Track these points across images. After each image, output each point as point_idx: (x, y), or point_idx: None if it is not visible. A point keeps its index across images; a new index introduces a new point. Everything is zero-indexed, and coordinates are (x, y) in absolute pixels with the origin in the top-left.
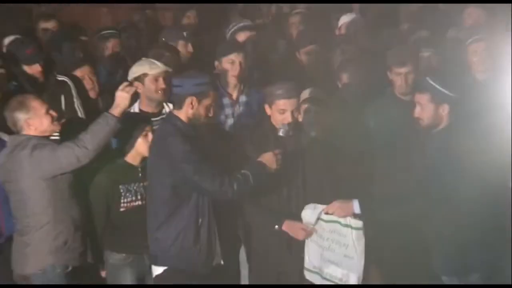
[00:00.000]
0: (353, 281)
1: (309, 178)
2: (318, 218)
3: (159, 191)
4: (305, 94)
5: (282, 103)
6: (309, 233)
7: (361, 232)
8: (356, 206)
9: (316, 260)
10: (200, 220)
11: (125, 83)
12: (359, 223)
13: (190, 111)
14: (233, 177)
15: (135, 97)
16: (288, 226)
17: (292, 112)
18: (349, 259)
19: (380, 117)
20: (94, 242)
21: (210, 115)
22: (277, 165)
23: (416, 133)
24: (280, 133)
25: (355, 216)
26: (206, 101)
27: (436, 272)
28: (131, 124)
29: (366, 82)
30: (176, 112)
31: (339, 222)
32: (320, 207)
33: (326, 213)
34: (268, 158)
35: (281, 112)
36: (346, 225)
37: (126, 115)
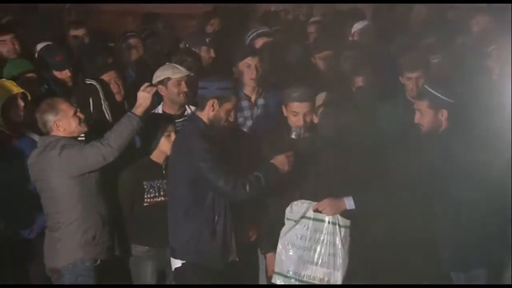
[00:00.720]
0: (338, 279)
1: (322, 178)
2: (302, 217)
3: (178, 188)
4: (321, 97)
5: (295, 106)
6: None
7: (348, 231)
8: (348, 203)
9: (293, 264)
10: (216, 217)
11: (146, 84)
12: (347, 222)
13: (211, 113)
14: (245, 179)
15: (159, 99)
16: (269, 259)
17: (304, 115)
18: (335, 257)
19: (391, 119)
20: (122, 236)
21: (231, 119)
22: (289, 167)
23: (423, 134)
24: (293, 136)
25: (343, 214)
26: (227, 105)
27: (443, 269)
28: (156, 124)
29: (378, 86)
30: (198, 113)
31: (326, 221)
32: (307, 204)
33: (315, 211)
34: (280, 160)
35: (294, 114)
36: (334, 223)
37: (151, 116)
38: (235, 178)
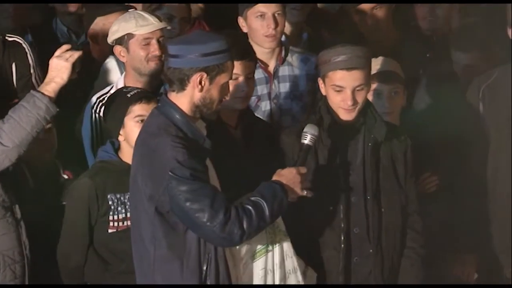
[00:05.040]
0: None
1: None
2: None
3: (141, 217)
4: (375, 65)
5: (338, 77)
6: None
7: None
8: None
9: None
10: (205, 266)
11: (64, 46)
12: None
13: (198, 95)
14: (242, 209)
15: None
16: None
17: (353, 92)
18: None
19: (493, 96)
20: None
21: (227, 97)
22: (302, 192)
23: None
24: (305, 140)
25: None
26: (222, 78)
27: None
28: (121, 106)
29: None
30: (173, 97)
31: None
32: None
33: None
34: (289, 176)
35: (336, 90)
36: None
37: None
38: (227, 209)
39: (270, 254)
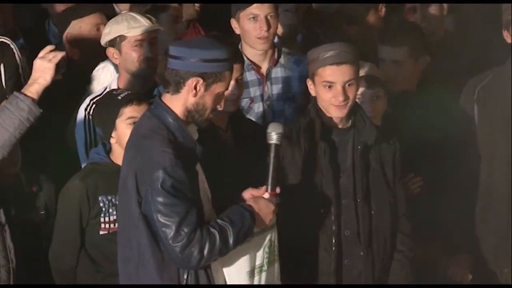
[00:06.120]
0: None
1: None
2: None
3: (129, 220)
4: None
5: (328, 72)
6: None
7: None
8: None
9: None
10: (185, 274)
11: (48, 47)
12: None
13: (192, 100)
14: (206, 232)
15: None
16: None
17: (344, 88)
18: None
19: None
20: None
21: (220, 108)
22: (271, 221)
23: None
24: (272, 141)
25: None
26: (218, 87)
27: None
28: (113, 107)
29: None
30: (167, 99)
31: None
32: None
33: None
34: (262, 207)
35: (326, 86)
36: None
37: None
38: (193, 231)
39: (264, 274)
